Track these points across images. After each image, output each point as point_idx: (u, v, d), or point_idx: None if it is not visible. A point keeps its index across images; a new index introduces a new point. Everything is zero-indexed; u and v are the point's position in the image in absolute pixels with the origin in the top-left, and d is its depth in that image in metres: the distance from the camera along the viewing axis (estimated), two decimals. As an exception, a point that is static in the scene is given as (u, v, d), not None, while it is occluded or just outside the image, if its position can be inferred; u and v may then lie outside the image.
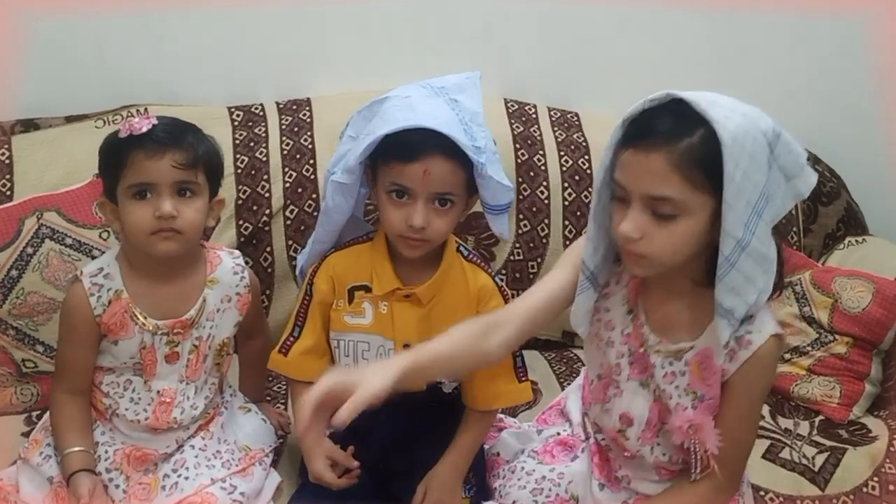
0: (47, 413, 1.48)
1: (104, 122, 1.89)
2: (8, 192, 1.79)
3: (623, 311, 1.33)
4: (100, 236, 1.74)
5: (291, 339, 1.50)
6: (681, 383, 1.28)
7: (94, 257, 1.71)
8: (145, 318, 1.40)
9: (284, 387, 1.75)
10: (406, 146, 1.32)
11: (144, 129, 1.31)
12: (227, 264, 1.49)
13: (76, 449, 1.37)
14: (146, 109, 1.90)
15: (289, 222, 1.91)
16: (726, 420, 1.26)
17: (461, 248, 1.49)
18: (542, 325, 1.35)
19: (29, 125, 1.89)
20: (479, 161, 1.34)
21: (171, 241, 1.35)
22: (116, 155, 1.33)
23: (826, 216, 2.14)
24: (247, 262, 1.85)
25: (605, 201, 1.25)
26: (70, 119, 1.91)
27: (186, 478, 1.42)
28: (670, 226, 1.16)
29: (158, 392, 1.43)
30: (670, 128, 1.14)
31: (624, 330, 1.33)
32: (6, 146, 1.83)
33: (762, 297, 1.20)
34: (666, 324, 1.29)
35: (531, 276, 1.99)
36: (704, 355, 1.26)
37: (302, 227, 1.91)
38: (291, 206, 1.91)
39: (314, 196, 1.92)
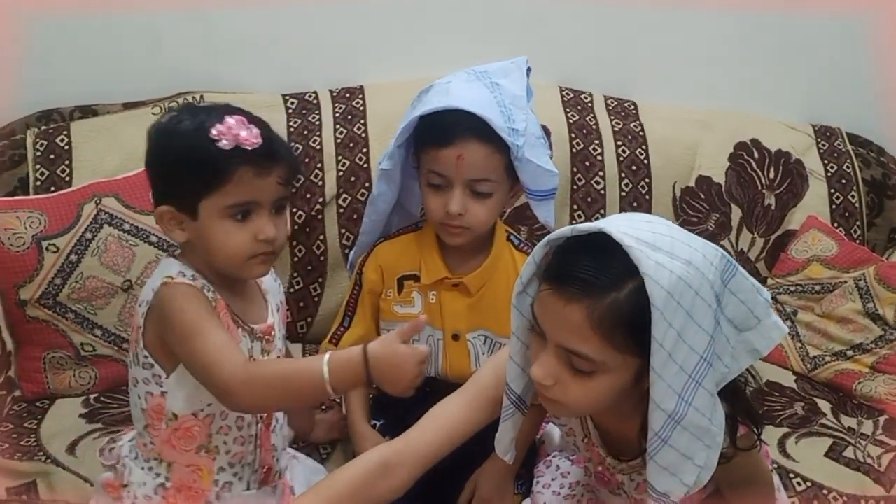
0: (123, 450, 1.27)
1: (161, 108, 1.91)
2: (67, 178, 1.81)
3: (577, 422, 1.22)
4: (156, 222, 1.75)
5: (342, 329, 1.49)
6: None
7: (151, 243, 1.73)
8: (244, 321, 1.22)
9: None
10: (439, 130, 1.32)
11: (257, 144, 1.12)
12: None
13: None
14: (202, 97, 1.91)
15: (342, 210, 1.91)
16: (729, 487, 1.18)
17: (512, 237, 1.47)
18: (466, 438, 1.22)
19: (87, 111, 1.91)
20: (514, 143, 1.32)
21: (266, 263, 1.20)
22: (215, 167, 1.12)
23: (891, 210, 2.07)
24: (300, 251, 1.87)
25: (528, 320, 1.09)
26: (127, 106, 1.93)
27: None
28: (586, 380, 1.02)
29: (261, 416, 1.25)
30: (595, 277, 0.98)
31: (584, 439, 1.23)
32: (65, 132, 1.85)
33: (704, 475, 1.03)
34: (623, 445, 1.17)
35: (585, 268, 1.96)
36: None
37: (354, 216, 1.90)
38: (344, 195, 1.91)
39: (367, 185, 1.91)
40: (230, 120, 1.12)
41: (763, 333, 1.05)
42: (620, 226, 0.99)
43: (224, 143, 1.11)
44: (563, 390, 1.04)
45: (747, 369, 1.08)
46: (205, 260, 1.18)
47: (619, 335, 0.98)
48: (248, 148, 1.12)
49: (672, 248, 0.98)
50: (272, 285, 1.33)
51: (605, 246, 0.98)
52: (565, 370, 1.03)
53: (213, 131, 1.11)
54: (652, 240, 0.98)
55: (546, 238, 1.03)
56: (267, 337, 1.25)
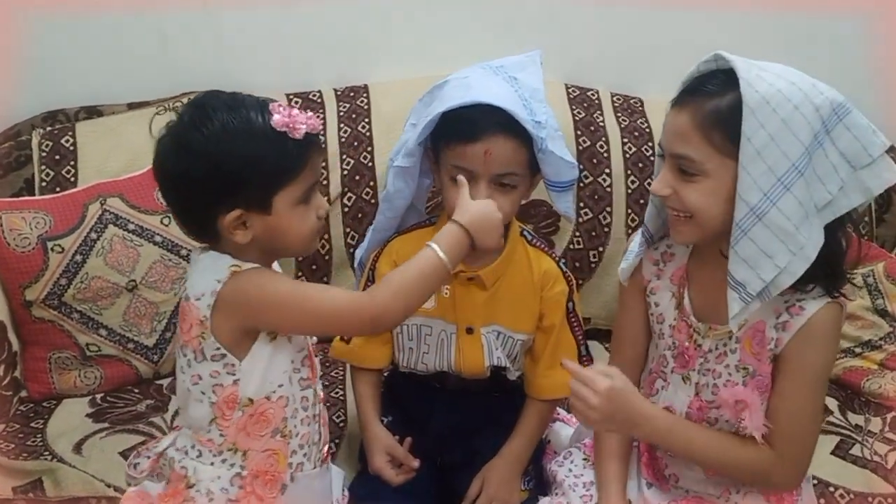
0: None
1: (165, 108, 1.91)
2: (72, 179, 1.82)
3: (671, 304, 1.31)
4: (161, 222, 1.76)
5: None
6: (731, 361, 1.25)
7: (155, 243, 1.74)
8: None
9: (342, 372, 1.75)
10: (466, 125, 1.31)
11: (321, 127, 1.15)
12: None
13: None
14: (207, 96, 1.91)
15: (346, 210, 1.90)
16: (784, 394, 1.21)
17: (525, 233, 1.47)
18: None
19: (92, 112, 1.92)
20: (538, 136, 1.32)
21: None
22: (293, 158, 1.13)
23: (900, 205, 2.06)
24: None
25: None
26: (132, 106, 1.93)
27: None
28: (695, 185, 1.16)
29: (320, 396, 1.28)
30: (706, 88, 1.14)
31: (671, 323, 1.31)
32: (70, 133, 1.86)
33: (784, 278, 1.14)
34: (713, 308, 1.26)
35: (592, 266, 1.96)
36: (756, 329, 1.23)
37: (359, 215, 1.90)
38: (349, 194, 1.91)
39: (372, 184, 1.91)
40: (281, 108, 1.12)
41: (876, 172, 1.14)
42: (735, 56, 1.13)
43: (297, 133, 1.11)
44: (678, 198, 1.18)
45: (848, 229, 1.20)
46: (263, 251, 1.18)
47: (717, 134, 1.12)
48: (314, 132, 1.14)
49: (782, 73, 1.12)
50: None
51: (723, 71, 1.14)
52: (677, 179, 1.17)
53: (277, 122, 1.11)
54: (763, 65, 1.13)
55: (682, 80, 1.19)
56: None
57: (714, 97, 1.13)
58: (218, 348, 1.15)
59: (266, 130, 1.11)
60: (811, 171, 1.12)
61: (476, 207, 1.25)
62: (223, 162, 1.10)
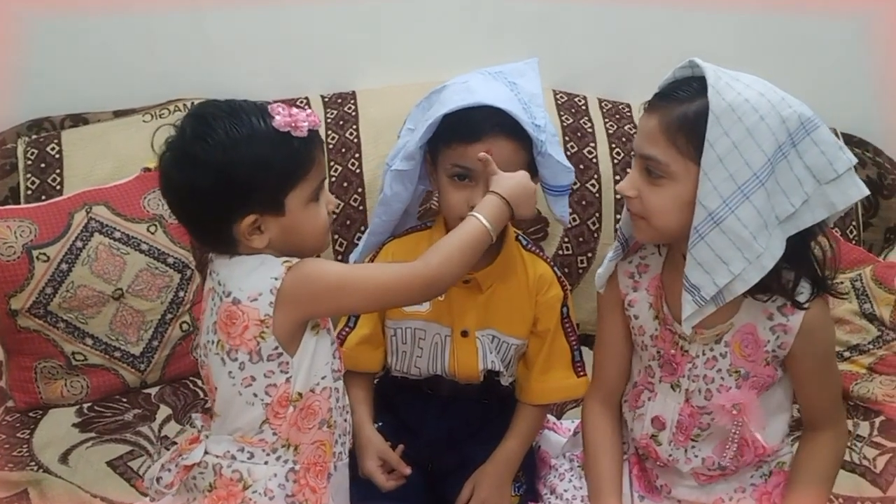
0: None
1: (152, 116, 1.90)
2: (58, 187, 1.81)
3: (650, 315, 1.31)
4: (147, 230, 1.75)
5: (347, 329, 1.48)
6: (723, 365, 1.26)
7: (142, 251, 1.73)
8: None
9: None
10: (467, 126, 1.32)
11: (320, 123, 1.18)
12: None
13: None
14: (192, 104, 1.90)
15: (335, 216, 1.90)
16: (808, 385, 1.27)
17: (520, 238, 1.48)
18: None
19: (78, 120, 1.92)
20: (538, 138, 1.33)
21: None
22: (301, 157, 1.14)
23: (888, 209, 2.07)
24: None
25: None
26: (118, 113, 1.93)
27: None
28: (659, 189, 1.17)
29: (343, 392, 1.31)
30: (677, 94, 1.16)
31: (653, 333, 1.31)
32: (56, 141, 1.85)
33: (737, 285, 1.15)
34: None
35: (580, 272, 1.96)
36: (745, 332, 1.24)
37: (347, 222, 1.90)
38: (337, 201, 1.90)
39: (360, 190, 1.91)
40: (281, 109, 1.13)
41: (841, 188, 1.15)
42: (708, 63, 1.15)
43: (301, 132, 1.12)
44: (642, 203, 1.19)
45: (823, 238, 1.22)
46: (280, 253, 1.17)
47: (681, 138, 1.14)
48: (315, 128, 1.15)
49: (752, 83, 1.14)
50: None
51: (697, 78, 1.16)
52: (643, 180, 1.19)
53: (280, 123, 1.11)
54: (736, 75, 1.15)
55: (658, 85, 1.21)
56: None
57: (684, 103, 1.15)
58: (276, 347, 1.16)
59: (270, 133, 1.11)
60: (773, 182, 1.12)
61: (512, 178, 1.27)
62: (232, 169, 1.10)
